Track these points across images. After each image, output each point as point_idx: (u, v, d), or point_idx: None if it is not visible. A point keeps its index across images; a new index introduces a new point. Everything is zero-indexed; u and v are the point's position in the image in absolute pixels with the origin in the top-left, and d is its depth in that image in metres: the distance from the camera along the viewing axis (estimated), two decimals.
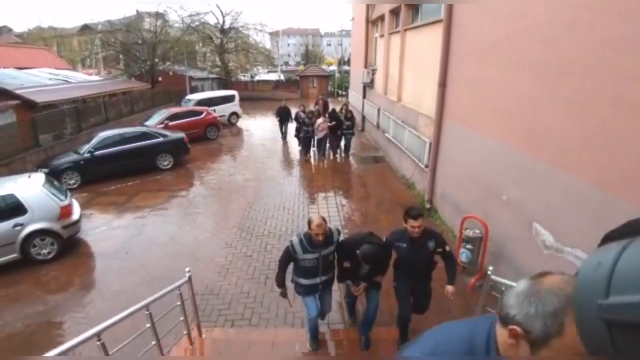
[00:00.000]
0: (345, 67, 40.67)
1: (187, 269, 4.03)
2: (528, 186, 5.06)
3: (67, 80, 18.98)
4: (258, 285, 5.84)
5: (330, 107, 16.94)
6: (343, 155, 13.82)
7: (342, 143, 13.68)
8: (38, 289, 6.33)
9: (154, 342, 3.29)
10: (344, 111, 13.84)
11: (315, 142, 13.52)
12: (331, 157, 13.68)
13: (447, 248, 4.00)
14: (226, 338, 4.40)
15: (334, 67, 43.45)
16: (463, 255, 5.82)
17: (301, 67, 43.73)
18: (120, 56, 27.01)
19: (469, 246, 5.75)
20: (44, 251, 7.00)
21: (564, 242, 4.38)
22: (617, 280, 0.52)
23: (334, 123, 12.90)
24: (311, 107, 17.25)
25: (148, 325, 3.19)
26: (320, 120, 12.94)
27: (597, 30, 3.80)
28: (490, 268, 4.20)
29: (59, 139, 13.44)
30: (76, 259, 7.16)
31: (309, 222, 3.82)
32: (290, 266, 4.16)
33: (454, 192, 7.40)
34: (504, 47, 5.62)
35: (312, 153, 13.96)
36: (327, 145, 13.44)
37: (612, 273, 0.52)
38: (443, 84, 7.68)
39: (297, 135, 14.00)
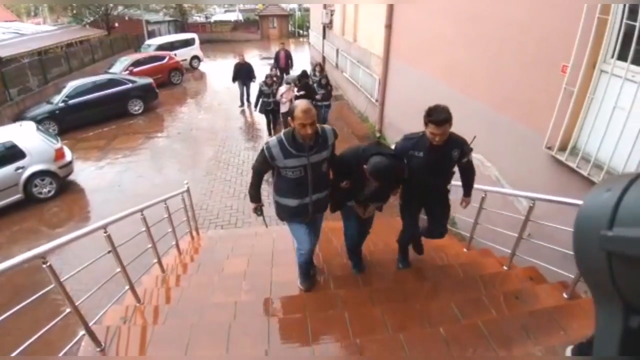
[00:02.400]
0: (306, 5, 39.92)
1: (185, 181, 5.26)
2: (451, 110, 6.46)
3: (19, 33, 18.44)
4: (239, 201, 7.19)
5: (297, 65, 14.73)
6: None
7: None
8: (45, 222, 7.34)
9: (170, 230, 4.55)
10: (317, 74, 10.62)
11: (281, 116, 9.90)
12: None
13: (470, 157, 3.30)
14: (218, 235, 5.77)
15: (294, 5, 42.51)
16: None
17: (260, 6, 42.45)
18: (74, 4, 25.66)
19: None
20: (45, 190, 7.95)
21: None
22: (623, 211, 0.48)
23: (302, 93, 9.18)
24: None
25: (165, 216, 4.45)
26: (283, 89, 9.44)
27: None
28: None
29: (28, 91, 13.66)
30: (75, 194, 8.21)
31: (291, 110, 2.77)
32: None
33: (399, 120, 8.78)
34: None
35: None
36: None
37: (620, 203, 0.48)
38: (389, 26, 8.78)
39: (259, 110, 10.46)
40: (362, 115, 11.61)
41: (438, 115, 2.94)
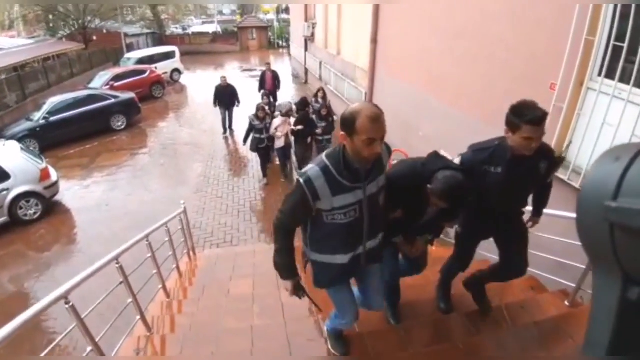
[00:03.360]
0: (285, 16, 40.14)
1: (181, 201, 5.24)
2: (436, 123, 6.65)
3: None
4: (232, 218, 7.17)
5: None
6: None
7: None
8: (32, 245, 7.14)
9: (170, 253, 4.52)
10: (319, 100, 9.20)
11: (276, 152, 8.51)
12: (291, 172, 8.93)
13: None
14: (216, 254, 5.74)
15: (272, 16, 42.68)
16: None
17: (238, 17, 42.54)
18: (50, 16, 25.11)
19: None
20: (30, 212, 7.73)
21: None
22: (628, 182, 0.48)
23: (300, 128, 7.80)
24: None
25: (167, 239, 4.41)
26: (277, 122, 7.96)
27: (479, 3, 5.23)
28: None
29: (6, 108, 13.32)
30: (61, 215, 8.02)
31: (350, 118, 1.77)
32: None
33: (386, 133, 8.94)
34: (418, 12, 6.98)
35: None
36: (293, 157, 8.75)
37: (626, 174, 0.48)
38: (375, 40, 8.97)
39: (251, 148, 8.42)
40: None
41: (535, 113, 2.09)
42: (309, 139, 8.15)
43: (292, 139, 8.14)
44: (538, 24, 4.26)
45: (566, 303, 3.17)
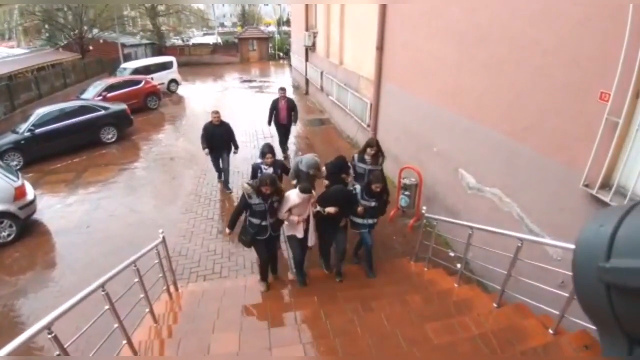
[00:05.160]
0: (285, 28, 39.90)
1: (160, 231, 4.50)
2: (454, 138, 5.92)
3: None
4: (223, 243, 6.39)
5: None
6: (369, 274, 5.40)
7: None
8: (3, 271, 6.40)
9: (142, 295, 3.78)
10: (367, 159, 5.74)
11: (287, 246, 5.51)
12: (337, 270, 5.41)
13: None
14: (202, 290, 4.97)
15: (273, 28, 42.46)
16: (402, 201, 6.69)
17: (239, 28, 42.30)
18: (46, 26, 24.77)
19: (407, 192, 6.61)
20: (3, 234, 6.99)
21: (484, 183, 5.30)
22: (619, 243, 0.50)
23: (332, 211, 4.77)
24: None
25: (136, 279, 3.67)
26: (294, 198, 4.71)
27: (509, 3, 4.54)
28: (424, 208, 5.07)
29: None
30: (38, 237, 7.27)
31: None
32: None
33: (393, 147, 8.22)
34: (431, 16, 6.30)
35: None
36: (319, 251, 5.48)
37: (615, 236, 0.50)
38: (380, 48, 8.31)
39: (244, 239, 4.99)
40: (352, 141, 11.04)
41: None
42: (343, 222, 5.02)
43: (312, 222, 4.87)
44: (582, 23, 3.56)
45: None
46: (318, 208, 4.78)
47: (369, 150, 5.69)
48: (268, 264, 5.03)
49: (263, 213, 4.65)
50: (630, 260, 0.47)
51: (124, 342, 3.15)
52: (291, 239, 4.96)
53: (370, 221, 5.07)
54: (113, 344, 3.19)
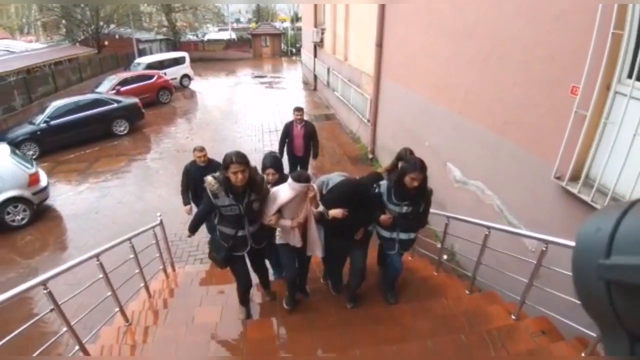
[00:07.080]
0: (299, 24, 40.12)
1: (158, 214, 4.78)
2: (444, 132, 6.08)
3: (9, 50, 18.15)
4: None
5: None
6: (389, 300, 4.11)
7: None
8: (17, 252, 6.82)
9: (137, 271, 4.07)
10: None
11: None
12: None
13: None
14: (196, 271, 5.25)
15: (287, 24, 42.72)
16: None
17: (253, 25, 42.64)
18: (63, 21, 25.53)
19: None
20: (18, 217, 7.41)
21: (469, 176, 5.46)
22: (619, 240, 0.49)
23: (339, 214, 3.23)
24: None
25: (132, 256, 3.97)
26: (287, 192, 3.24)
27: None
28: None
29: (11, 111, 13.19)
30: (49, 222, 7.67)
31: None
32: None
33: (390, 143, 8.40)
34: (425, 11, 6.46)
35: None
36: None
37: (615, 233, 0.49)
38: (380, 44, 8.47)
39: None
40: (355, 136, 11.24)
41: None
42: (359, 234, 3.56)
43: (314, 224, 3.49)
44: (558, 18, 3.70)
45: (582, 354, 2.60)
46: (321, 208, 3.32)
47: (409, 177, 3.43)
48: (249, 290, 3.70)
49: (238, 219, 3.23)
50: (631, 257, 0.46)
51: (117, 309, 3.44)
52: (283, 248, 3.52)
53: (402, 235, 3.61)
54: (107, 312, 3.50)
